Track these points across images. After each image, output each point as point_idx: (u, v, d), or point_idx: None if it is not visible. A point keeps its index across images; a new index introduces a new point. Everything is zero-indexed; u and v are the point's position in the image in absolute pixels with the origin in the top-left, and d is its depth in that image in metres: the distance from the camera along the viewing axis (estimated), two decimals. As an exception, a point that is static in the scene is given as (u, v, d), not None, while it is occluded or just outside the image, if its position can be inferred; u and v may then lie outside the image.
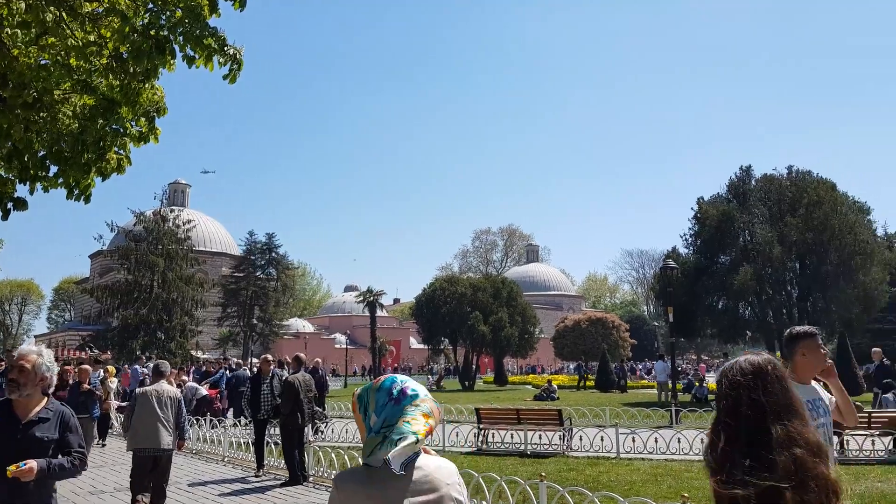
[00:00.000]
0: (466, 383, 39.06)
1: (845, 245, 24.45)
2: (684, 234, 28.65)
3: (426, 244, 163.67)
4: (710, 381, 36.17)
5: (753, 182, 27.72)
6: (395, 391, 2.10)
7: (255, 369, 18.06)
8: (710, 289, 26.42)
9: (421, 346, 60.32)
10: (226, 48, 5.25)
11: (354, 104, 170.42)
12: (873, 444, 11.58)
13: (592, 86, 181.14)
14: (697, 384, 27.34)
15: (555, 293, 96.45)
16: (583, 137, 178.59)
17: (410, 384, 2.15)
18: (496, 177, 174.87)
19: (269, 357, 11.89)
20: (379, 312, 43.18)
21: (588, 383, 37.62)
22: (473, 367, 40.85)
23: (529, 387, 38.53)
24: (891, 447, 11.44)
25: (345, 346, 55.75)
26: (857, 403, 12.93)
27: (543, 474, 6.57)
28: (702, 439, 11.74)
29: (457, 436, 13.26)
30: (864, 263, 24.83)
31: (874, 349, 17.09)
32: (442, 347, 43.47)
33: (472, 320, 36.70)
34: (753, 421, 1.79)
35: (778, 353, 16.06)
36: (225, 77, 5.34)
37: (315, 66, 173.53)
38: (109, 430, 15.08)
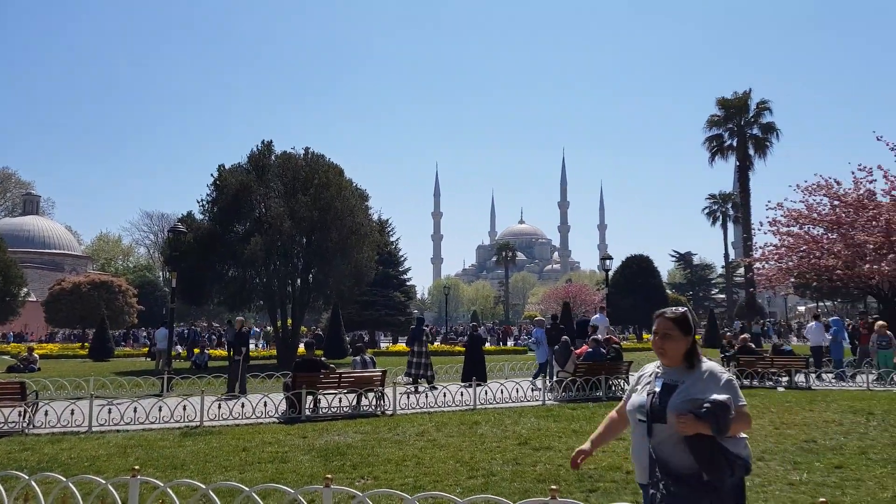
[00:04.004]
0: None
1: (345, 225, 27.09)
2: (202, 200, 27.99)
3: None
4: (215, 349, 36.59)
5: (273, 157, 28.60)
6: None
7: None
8: (223, 257, 26.40)
9: None
10: None
11: None
12: (340, 401, 12.97)
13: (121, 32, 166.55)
14: (198, 352, 27.17)
15: (56, 252, 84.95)
16: (106, 88, 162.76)
17: None
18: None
19: None
20: None
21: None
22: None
23: (8, 357, 33.06)
24: (354, 403, 12.96)
25: None
26: (342, 368, 14.27)
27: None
28: (184, 406, 11.44)
29: None
30: (359, 243, 27.95)
31: (311, 326, 19.36)
32: None
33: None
34: None
35: (280, 321, 16.68)
36: None
37: None
38: None
